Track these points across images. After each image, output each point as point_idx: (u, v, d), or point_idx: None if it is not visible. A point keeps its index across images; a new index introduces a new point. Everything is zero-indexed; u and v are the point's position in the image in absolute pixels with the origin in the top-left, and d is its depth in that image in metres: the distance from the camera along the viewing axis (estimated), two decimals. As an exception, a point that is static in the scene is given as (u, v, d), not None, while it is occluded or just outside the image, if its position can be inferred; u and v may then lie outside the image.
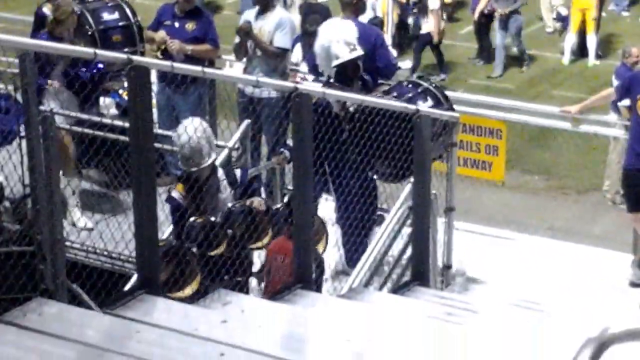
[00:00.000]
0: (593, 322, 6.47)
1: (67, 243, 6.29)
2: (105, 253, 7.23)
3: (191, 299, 5.87)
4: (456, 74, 17.72)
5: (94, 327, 4.95)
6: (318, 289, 6.57)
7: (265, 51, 9.48)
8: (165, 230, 6.89)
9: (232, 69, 11.37)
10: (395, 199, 7.64)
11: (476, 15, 17.53)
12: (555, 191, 12.62)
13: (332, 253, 7.54)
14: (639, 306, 7.89)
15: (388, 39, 14.33)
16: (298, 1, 16.14)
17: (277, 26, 9.49)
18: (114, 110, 8.80)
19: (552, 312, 7.15)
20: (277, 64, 9.54)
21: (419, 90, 8.22)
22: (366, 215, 7.93)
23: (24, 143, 5.18)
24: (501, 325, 6.46)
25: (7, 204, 6.51)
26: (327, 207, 8.12)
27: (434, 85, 8.51)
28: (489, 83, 16.91)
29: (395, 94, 8.15)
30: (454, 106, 8.41)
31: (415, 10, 17.29)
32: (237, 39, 9.66)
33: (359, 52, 8.06)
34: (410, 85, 8.37)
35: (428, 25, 17.09)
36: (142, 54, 9.09)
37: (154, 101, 7.93)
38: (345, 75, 8.06)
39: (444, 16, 17.71)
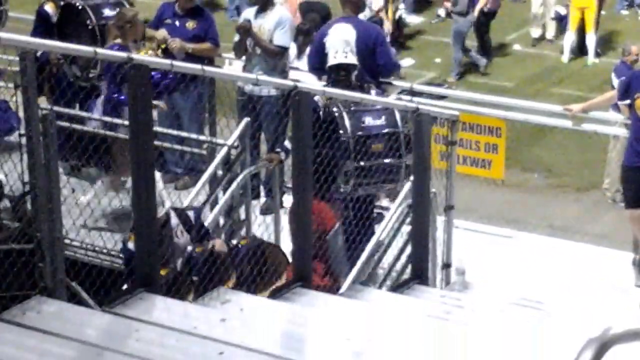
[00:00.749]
0: (593, 322, 6.49)
1: (67, 241, 6.27)
2: (105, 251, 7.23)
3: None
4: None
5: (93, 325, 4.95)
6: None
7: (265, 49, 9.47)
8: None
9: (231, 67, 11.36)
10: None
11: (476, 12, 17.50)
12: (555, 189, 12.59)
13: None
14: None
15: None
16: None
17: (277, 24, 9.49)
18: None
19: (551, 311, 7.15)
20: (277, 62, 9.54)
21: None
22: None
23: (23, 140, 5.19)
24: (501, 324, 6.46)
25: (6, 201, 6.52)
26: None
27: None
28: (487, 80, 16.88)
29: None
30: (454, 104, 8.38)
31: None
32: (236, 37, 9.66)
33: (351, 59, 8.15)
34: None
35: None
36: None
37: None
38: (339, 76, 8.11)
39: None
